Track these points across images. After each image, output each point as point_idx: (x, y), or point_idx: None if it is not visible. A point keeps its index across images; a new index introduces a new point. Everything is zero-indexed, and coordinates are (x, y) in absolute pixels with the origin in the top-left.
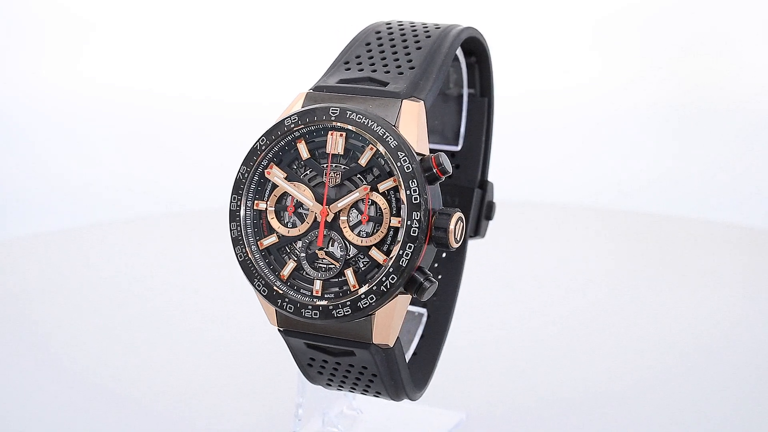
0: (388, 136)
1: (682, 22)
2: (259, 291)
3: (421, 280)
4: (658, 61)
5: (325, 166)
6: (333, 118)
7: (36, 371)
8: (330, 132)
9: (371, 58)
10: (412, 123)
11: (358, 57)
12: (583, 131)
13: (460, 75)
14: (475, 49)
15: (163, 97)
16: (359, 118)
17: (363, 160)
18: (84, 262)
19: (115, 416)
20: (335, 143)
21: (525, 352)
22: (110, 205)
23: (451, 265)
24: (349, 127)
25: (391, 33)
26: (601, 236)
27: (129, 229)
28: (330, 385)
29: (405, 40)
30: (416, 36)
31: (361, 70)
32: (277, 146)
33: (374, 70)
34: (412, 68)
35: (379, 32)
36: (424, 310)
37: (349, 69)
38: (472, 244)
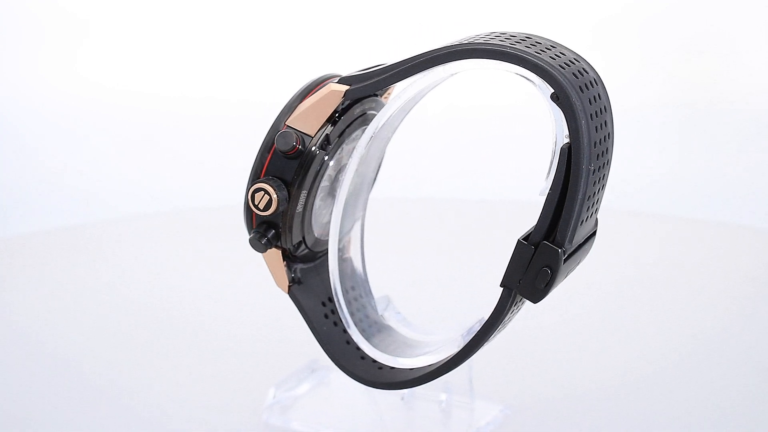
0: (284, 108)
1: (682, 22)
2: None
3: (263, 232)
4: (658, 61)
5: None
6: None
7: (34, 370)
8: None
9: None
10: (312, 100)
11: None
12: None
13: (552, 115)
14: (552, 85)
15: (161, 97)
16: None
17: None
18: (80, 260)
19: (115, 415)
20: None
21: (528, 351)
22: (106, 205)
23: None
24: None
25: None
26: (600, 236)
27: (125, 229)
28: None
29: None
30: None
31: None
32: None
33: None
34: (391, 63)
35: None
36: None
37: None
38: None
